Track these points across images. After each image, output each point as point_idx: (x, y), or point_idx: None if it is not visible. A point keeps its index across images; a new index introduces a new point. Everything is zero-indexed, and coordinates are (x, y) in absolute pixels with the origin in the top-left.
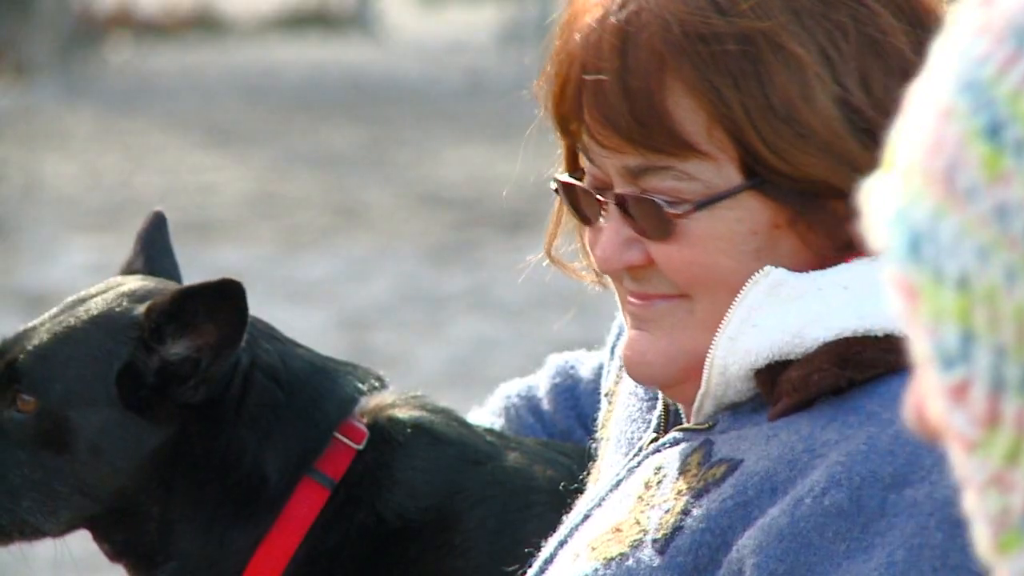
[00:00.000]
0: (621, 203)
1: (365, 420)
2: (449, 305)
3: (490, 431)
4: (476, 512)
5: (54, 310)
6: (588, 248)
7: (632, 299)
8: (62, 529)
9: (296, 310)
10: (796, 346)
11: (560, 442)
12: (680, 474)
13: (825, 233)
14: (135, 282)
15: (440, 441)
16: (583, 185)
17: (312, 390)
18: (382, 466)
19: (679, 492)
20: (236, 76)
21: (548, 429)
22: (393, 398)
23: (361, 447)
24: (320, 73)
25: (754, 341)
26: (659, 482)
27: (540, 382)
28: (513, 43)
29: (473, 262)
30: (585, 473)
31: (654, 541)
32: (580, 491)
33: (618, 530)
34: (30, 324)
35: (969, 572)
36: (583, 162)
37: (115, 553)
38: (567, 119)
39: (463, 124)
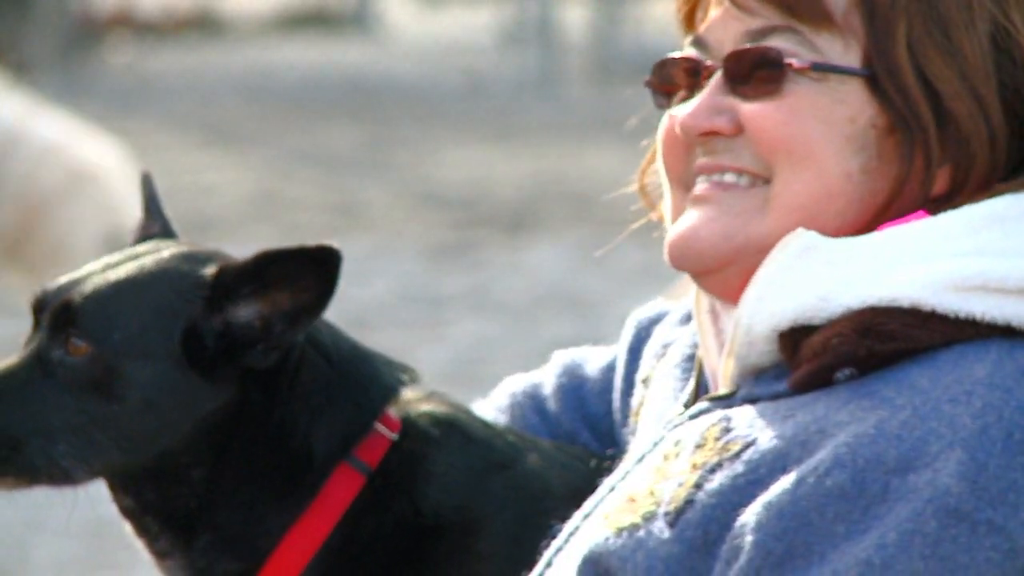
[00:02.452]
0: (734, 58)
1: (394, 411)
2: (449, 305)
3: (509, 431)
4: (500, 517)
5: (97, 263)
6: (664, 139)
7: (701, 180)
8: (90, 478)
9: None
10: (821, 310)
11: (570, 445)
12: (697, 448)
13: (904, 166)
14: (183, 245)
15: (471, 440)
16: (692, 55)
17: (359, 374)
18: (419, 459)
19: (694, 466)
20: (236, 76)
21: (552, 430)
22: (412, 392)
23: (395, 437)
24: (320, 73)
25: (780, 302)
26: (677, 455)
27: (546, 380)
28: (513, 43)
29: (473, 262)
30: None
31: (666, 514)
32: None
33: (632, 500)
34: (78, 273)
35: (957, 565)
36: (688, 51)
37: (138, 510)
38: None
39: (463, 124)
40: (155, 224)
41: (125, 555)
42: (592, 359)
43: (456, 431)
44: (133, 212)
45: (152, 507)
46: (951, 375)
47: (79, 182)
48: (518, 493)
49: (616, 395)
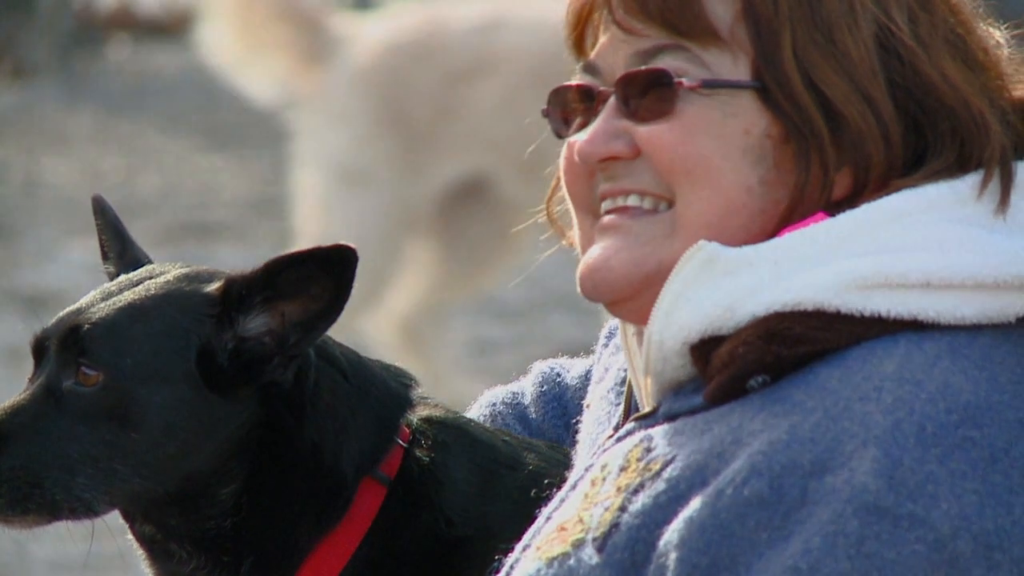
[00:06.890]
0: (625, 81)
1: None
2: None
3: (503, 431)
4: (515, 522)
5: (95, 294)
6: (566, 168)
7: (606, 204)
8: (112, 508)
9: None
10: (728, 320)
11: (561, 446)
12: (621, 470)
13: (802, 173)
14: (180, 268)
15: (477, 443)
16: (585, 82)
17: (375, 387)
18: (438, 467)
19: (619, 488)
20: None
21: (535, 437)
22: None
23: (406, 445)
24: None
25: (687, 316)
26: (604, 479)
27: (526, 389)
28: None
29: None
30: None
31: (594, 539)
32: None
33: (563, 529)
34: (80, 303)
35: (884, 561)
36: (580, 78)
37: (161, 537)
38: (592, 5)
39: None
40: (132, 249)
41: (123, 557)
42: (571, 368)
43: (463, 435)
44: None
45: (178, 532)
46: (860, 373)
47: None
48: (527, 495)
49: None
